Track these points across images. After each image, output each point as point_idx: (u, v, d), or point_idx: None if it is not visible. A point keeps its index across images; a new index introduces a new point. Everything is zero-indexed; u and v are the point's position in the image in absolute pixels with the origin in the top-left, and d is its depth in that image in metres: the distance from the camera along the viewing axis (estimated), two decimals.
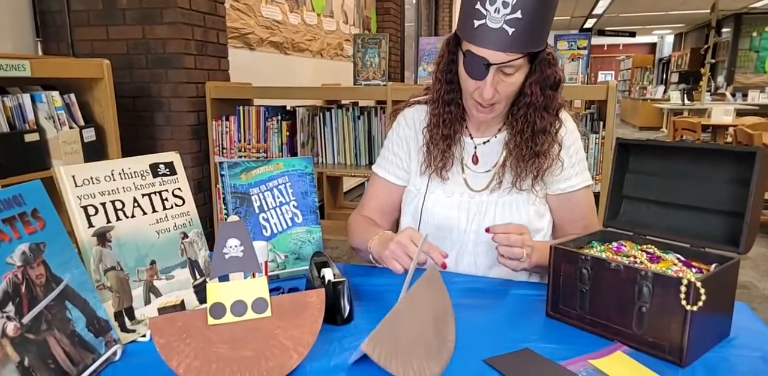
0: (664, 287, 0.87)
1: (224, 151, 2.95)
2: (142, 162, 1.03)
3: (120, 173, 0.98)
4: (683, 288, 0.84)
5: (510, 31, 1.07)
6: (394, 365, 0.79)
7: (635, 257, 0.99)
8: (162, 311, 0.98)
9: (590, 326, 0.98)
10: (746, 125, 5.70)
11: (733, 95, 12.09)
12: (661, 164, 1.10)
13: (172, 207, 1.05)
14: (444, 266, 1.04)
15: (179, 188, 1.07)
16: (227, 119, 2.93)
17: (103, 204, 0.94)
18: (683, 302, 0.84)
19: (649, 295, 0.89)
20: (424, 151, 1.31)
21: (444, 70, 1.24)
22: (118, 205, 0.96)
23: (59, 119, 2.22)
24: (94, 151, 2.36)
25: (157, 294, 0.99)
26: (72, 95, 2.33)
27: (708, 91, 11.65)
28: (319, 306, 0.83)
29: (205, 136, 2.99)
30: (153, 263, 0.99)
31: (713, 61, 12.40)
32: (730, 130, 7.31)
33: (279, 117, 2.87)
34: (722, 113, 7.85)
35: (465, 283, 1.20)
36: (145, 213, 1.00)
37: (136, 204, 0.99)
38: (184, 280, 1.03)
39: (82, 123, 2.35)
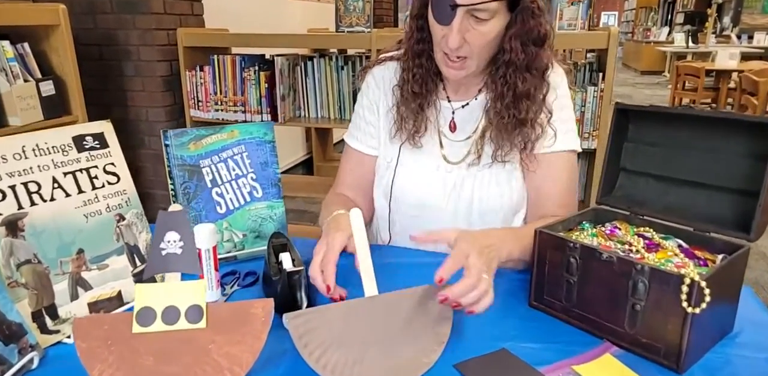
0: (662, 284, 0.75)
1: (200, 104, 2.78)
2: (62, 135, 0.88)
3: (34, 149, 0.84)
4: (684, 288, 0.72)
5: None
6: (307, 351, 0.72)
7: (630, 245, 0.87)
8: (93, 306, 0.87)
9: (577, 321, 0.87)
10: (752, 72, 5.49)
11: (739, 37, 11.70)
12: (664, 133, 0.97)
13: (103, 186, 0.92)
14: (334, 299, 0.85)
15: (112, 163, 0.94)
16: (201, 69, 2.74)
17: (13, 187, 0.80)
18: (684, 304, 0.72)
19: (644, 291, 0.77)
20: (394, 112, 1.15)
21: (415, 16, 1.07)
22: (33, 187, 0.82)
23: (12, 72, 2.05)
24: (54, 106, 2.20)
25: (87, 287, 0.87)
26: (25, 45, 2.14)
27: (713, 33, 11.25)
28: (264, 319, 0.71)
29: (179, 88, 2.81)
30: (80, 251, 0.87)
31: (720, 0, 11.93)
32: (734, 75, 7.08)
33: (256, 67, 2.68)
34: (727, 57, 7.56)
35: (439, 264, 1.07)
36: (68, 195, 0.87)
37: (56, 185, 0.85)
38: (121, 268, 0.92)
39: (39, 75, 2.17)
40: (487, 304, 0.81)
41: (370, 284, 0.81)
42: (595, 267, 0.83)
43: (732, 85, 7.07)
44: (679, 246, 0.87)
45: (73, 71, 2.26)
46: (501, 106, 1.05)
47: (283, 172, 4.61)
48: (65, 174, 0.87)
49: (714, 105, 6.38)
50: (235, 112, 2.75)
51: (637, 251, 0.85)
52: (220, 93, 2.74)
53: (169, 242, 0.73)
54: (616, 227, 0.94)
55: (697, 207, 0.93)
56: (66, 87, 2.27)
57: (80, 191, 0.88)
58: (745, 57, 8.07)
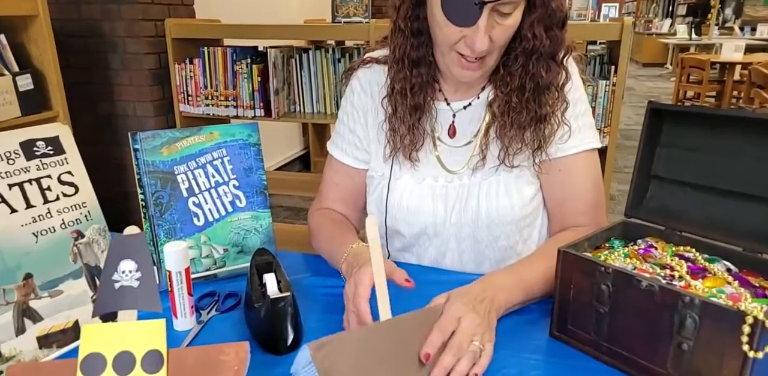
0: (717, 320, 0.63)
1: (190, 98, 2.64)
2: (8, 140, 0.76)
3: None
4: (746, 328, 0.60)
5: None
6: None
7: (671, 268, 0.75)
8: (44, 340, 0.75)
9: (608, 357, 0.75)
10: (761, 64, 5.35)
11: (742, 29, 11.54)
12: (705, 137, 0.84)
13: (57, 198, 0.79)
14: (411, 286, 0.78)
15: (69, 172, 0.81)
16: (191, 62, 2.60)
17: None
18: (745, 347, 0.60)
19: (694, 329, 0.65)
20: (387, 128, 1.01)
21: (408, 17, 0.92)
22: None
23: None
24: (33, 102, 2.06)
25: (36, 318, 0.75)
26: (1, 36, 2.01)
27: (716, 24, 11.09)
28: (237, 368, 0.58)
29: (167, 82, 2.67)
30: (28, 276, 0.74)
31: None
32: (738, 68, 6.92)
33: (249, 60, 2.54)
34: (732, 49, 7.41)
35: (447, 284, 0.89)
36: (14, 211, 0.74)
37: None
38: (78, 294, 0.79)
39: (17, 69, 2.04)
40: (483, 365, 0.72)
41: (384, 307, 0.70)
42: (631, 296, 0.71)
43: (737, 77, 6.93)
44: (728, 270, 0.75)
45: (53, 64, 2.13)
46: (518, 101, 0.92)
47: (279, 169, 4.47)
48: (11, 186, 0.74)
49: (756, 105, 6.06)
50: (227, 107, 2.62)
51: (681, 277, 0.73)
52: (211, 87, 2.60)
53: (123, 272, 0.61)
54: (651, 246, 0.82)
55: (744, 222, 0.80)
56: (46, 81, 2.13)
57: (29, 206, 0.76)
58: (749, 49, 7.92)
